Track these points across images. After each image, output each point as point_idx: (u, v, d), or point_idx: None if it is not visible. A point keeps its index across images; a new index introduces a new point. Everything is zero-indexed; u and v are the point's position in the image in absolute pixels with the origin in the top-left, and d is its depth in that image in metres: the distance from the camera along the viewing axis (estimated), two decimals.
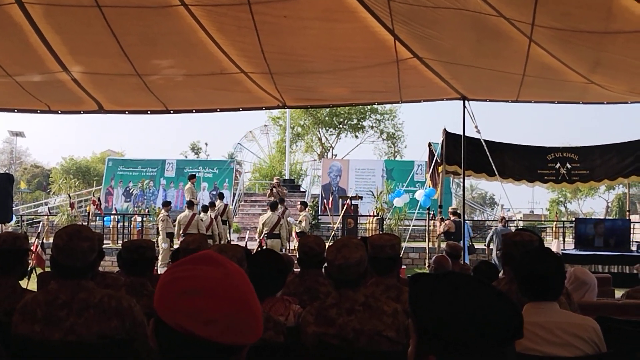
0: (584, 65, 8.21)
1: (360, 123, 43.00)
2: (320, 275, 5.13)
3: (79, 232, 3.44)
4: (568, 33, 6.85)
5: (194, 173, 23.36)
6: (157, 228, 19.32)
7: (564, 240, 23.70)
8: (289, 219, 18.47)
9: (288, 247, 18.28)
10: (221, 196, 21.14)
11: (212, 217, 18.50)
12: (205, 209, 18.76)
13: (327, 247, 4.08)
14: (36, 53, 8.57)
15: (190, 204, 18.19)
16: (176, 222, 17.99)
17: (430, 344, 1.44)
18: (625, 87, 9.17)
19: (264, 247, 15.61)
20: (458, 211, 16.80)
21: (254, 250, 8.75)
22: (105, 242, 18.23)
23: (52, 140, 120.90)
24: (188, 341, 1.40)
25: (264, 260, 4.19)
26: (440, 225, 17.15)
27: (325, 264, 3.84)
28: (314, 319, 3.62)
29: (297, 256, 5.25)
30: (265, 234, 17.44)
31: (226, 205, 20.62)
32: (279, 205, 18.20)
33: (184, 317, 1.39)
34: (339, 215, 21.35)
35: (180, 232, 17.30)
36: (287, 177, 32.58)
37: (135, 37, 8.40)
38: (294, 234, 18.67)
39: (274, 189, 22.06)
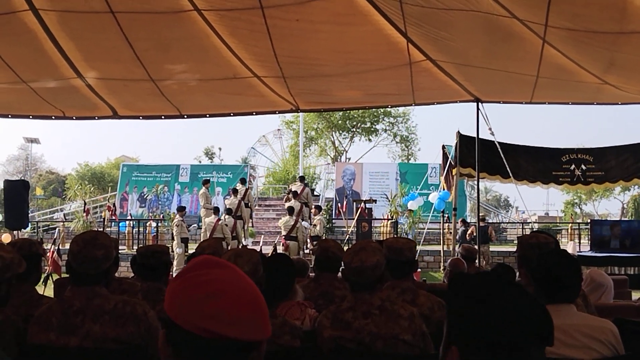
0: (598, 66, 8.16)
1: (374, 126, 42.95)
2: (336, 279, 5.14)
3: (95, 240, 3.44)
4: (582, 34, 6.81)
5: (208, 178, 23.39)
6: (172, 233, 19.40)
7: (579, 242, 23.60)
8: (303, 222, 18.80)
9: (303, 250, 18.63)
10: (243, 181, 21.43)
11: (234, 218, 19.24)
12: (229, 211, 19.38)
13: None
14: (51, 59, 8.62)
15: (216, 210, 18.94)
16: (202, 229, 19.19)
17: (460, 342, 1.44)
18: None
19: (278, 252, 15.73)
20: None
21: (269, 254, 8.75)
22: (120, 247, 18.33)
23: (67, 146, 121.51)
24: (210, 344, 1.43)
25: (278, 264, 4.19)
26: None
27: (342, 267, 3.83)
28: (330, 323, 3.61)
29: (315, 259, 5.25)
30: (283, 235, 18.45)
31: (247, 189, 21.09)
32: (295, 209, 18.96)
33: (210, 320, 1.42)
34: (353, 219, 21.36)
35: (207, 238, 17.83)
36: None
37: (148, 43, 8.44)
38: (308, 237, 18.75)
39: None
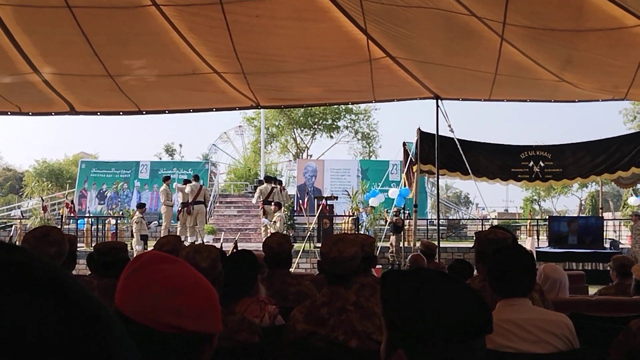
0: (555, 63, 8.26)
1: (335, 123, 43.09)
2: (289, 275, 5.07)
3: (46, 236, 3.38)
4: (539, 31, 6.89)
5: (168, 175, 23.19)
6: (131, 230, 19.24)
7: (538, 238, 23.87)
8: (262, 219, 19.29)
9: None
10: (197, 178, 21.19)
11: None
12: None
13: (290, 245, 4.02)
14: (6, 54, 8.47)
15: (197, 178, 20.53)
16: (187, 193, 20.15)
17: (399, 339, 1.44)
18: (596, 85, 9.24)
19: (238, 249, 15.73)
20: None
21: (229, 252, 8.70)
22: (79, 245, 18.13)
23: (24, 143, 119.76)
24: (170, 339, 1.44)
25: (240, 260, 4.16)
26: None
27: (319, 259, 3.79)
28: (304, 317, 3.57)
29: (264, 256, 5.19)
30: (261, 200, 20.63)
31: (201, 186, 20.94)
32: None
33: (175, 316, 1.43)
34: (315, 216, 21.37)
35: (190, 201, 19.94)
36: (262, 178, 32.52)
37: (106, 38, 8.33)
38: (269, 234, 18.80)
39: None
